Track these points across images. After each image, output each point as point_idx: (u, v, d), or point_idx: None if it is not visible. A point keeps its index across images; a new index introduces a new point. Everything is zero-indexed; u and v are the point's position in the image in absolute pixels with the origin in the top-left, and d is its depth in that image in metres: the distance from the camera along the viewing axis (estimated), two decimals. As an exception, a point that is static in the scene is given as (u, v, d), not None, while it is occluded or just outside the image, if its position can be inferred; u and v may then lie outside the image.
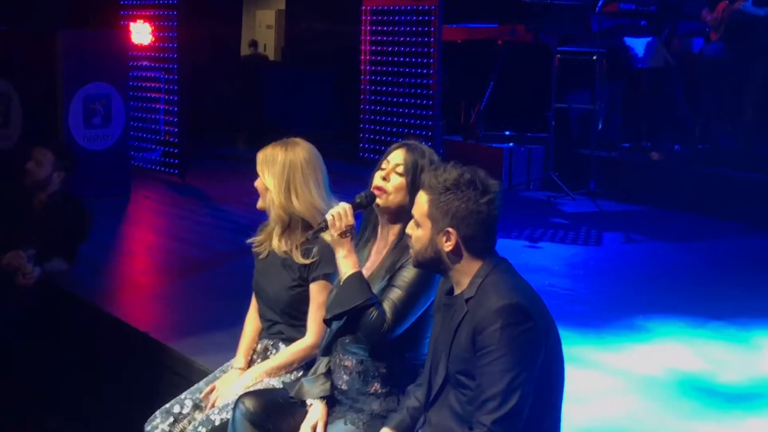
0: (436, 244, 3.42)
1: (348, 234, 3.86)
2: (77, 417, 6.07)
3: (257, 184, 4.38)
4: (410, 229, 3.50)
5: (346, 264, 3.84)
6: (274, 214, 4.33)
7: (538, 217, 9.74)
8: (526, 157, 11.47)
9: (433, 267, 3.49)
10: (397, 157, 3.94)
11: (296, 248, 4.28)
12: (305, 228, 4.24)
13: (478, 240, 3.41)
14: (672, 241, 8.97)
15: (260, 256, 4.48)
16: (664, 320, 6.33)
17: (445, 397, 3.47)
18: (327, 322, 3.93)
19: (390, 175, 3.91)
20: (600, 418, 4.78)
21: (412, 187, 3.84)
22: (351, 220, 3.87)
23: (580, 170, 10.93)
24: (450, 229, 3.40)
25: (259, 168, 4.34)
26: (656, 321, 6.32)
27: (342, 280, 3.83)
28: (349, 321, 3.79)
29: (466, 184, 3.40)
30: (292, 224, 4.32)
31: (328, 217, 3.88)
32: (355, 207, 3.94)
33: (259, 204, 4.40)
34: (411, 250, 3.51)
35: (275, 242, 4.38)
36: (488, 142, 11.75)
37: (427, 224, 3.43)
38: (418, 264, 3.52)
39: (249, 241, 4.53)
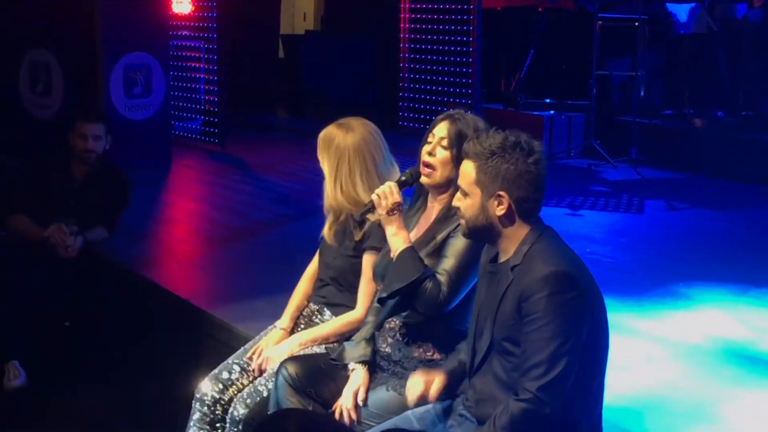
0: (487, 210, 3.40)
1: (395, 212, 3.87)
2: (120, 384, 6.13)
3: (322, 165, 4.39)
4: (457, 200, 3.47)
5: (397, 240, 3.85)
6: (326, 203, 4.36)
7: (579, 185, 9.70)
8: (567, 125, 11.41)
9: (484, 235, 3.47)
10: (441, 129, 3.93)
11: (355, 229, 4.28)
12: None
13: (530, 201, 3.39)
14: (714, 208, 8.91)
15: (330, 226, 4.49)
16: (705, 288, 6.30)
17: (489, 363, 3.46)
18: (381, 300, 3.93)
19: (435, 149, 3.91)
20: (641, 385, 4.76)
21: (458, 159, 3.83)
22: (397, 197, 3.88)
23: (622, 138, 10.87)
24: (502, 193, 3.37)
25: (318, 152, 4.35)
26: (698, 288, 6.28)
27: (395, 257, 3.83)
28: (405, 296, 3.79)
29: (512, 147, 3.38)
30: (342, 215, 4.35)
31: (374, 197, 3.90)
32: (401, 185, 3.97)
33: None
34: (461, 221, 3.49)
35: (326, 231, 4.41)
36: (529, 110, 11.70)
37: (477, 191, 3.40)
38: (469, 234, 3.49)
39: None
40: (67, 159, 6.59)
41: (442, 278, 3.76)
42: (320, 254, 4.54)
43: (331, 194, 4.30)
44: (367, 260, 4.25)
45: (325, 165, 4.32)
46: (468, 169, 3.42)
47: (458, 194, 3.48)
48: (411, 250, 3.82)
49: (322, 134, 4.36)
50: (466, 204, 3.43)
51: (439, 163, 3.90)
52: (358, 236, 4.27)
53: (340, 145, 4.28)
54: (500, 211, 3.39)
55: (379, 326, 4.01)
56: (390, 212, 3.87)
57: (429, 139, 3.95)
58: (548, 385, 3.20)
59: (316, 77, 14.71)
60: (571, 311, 3.23)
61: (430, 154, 3.91)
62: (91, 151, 6.50)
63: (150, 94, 10.22)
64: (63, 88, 10.02)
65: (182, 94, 12.02)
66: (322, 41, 15.56)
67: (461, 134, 3.87)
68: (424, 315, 3.84)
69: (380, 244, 4.08)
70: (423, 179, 3.96)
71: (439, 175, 3.91)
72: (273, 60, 16.05)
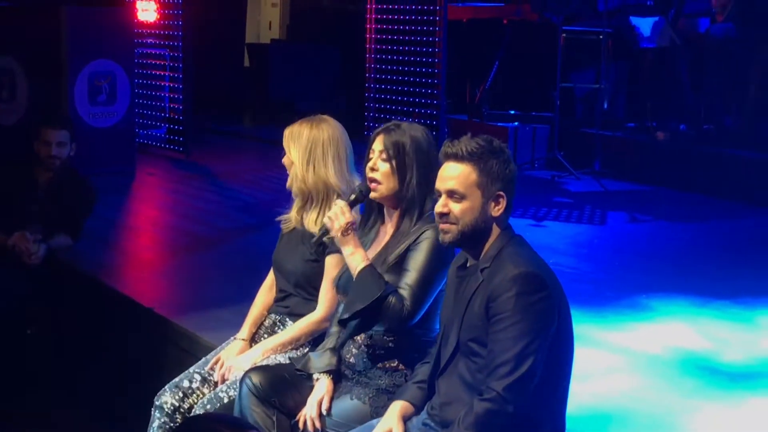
0: (486, 212, 3.43)
1: (349, 231, 3.88)
2: (82, 392, 6.10)
3: (284, 160, 4.41)
4: (444, 207, 3.44)
5: (355, 260, 3.86)
6: (295, 187, 4.39)
7: (542, 197, 9.74)
8: (531, 136, 11.46)
9: (474, 239, 3.45)
10: (378, 144, 3.98)
11: (314, 223, 4.31)
12: (323, 203, 4.28)
13: (513, 203, 3.47)
14: (676, 220, 8.98)
15: (284, 231, 4.51)
16: (667, 299, 6.34)
17: (454, 366, 3.48)
18: (342, 322, 3.94)
19: (377, 163, 3.95)
20: (603, 395, 4.79)
21: (400, 169, 3.90)
22: (349, 217, 3.89)
23: (585, 150, 10.91)
24: (501, 193, 3.42)
25: (285, 143, 4.40)
26: (660, 300, 6.33)
27: (354, 276, 3.84)
28: (368, 316, 3.80)
29: (501, 149, 3.45)
30: (311, 199, 4.36)
31: (326, 220, 3.93)
32: (352, 203, 4.00)
33: (288, 182, 4.42)
34: (449, 227, 3.45)
35: (293, 214, 4.47)
36: (493, 121, 11.72)
37: (476, 193, 3.42)
38: (459, 240, 3.45)
39: (278, 219, 4.55)
40: (31, 166, 6.56)
41: (404, 293, 3.76)
42: (277, 266, 4.54)
43: (301, 177, 4.32)
44: (330, 262, 4.26)
45: (294, 152, 4.35)
46: (464, 172, 3.42)
47: (446, 201, 3.45)
48: (370, 268, 3.83)
49: (290, 129, 4.41)
50: (463, 207, 3.42)
51: (382, 176, 3.94)
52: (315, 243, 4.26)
53: (312, 133, 4.35)
54: (497, 212, 3.43)
55: (343, 344, 4.01)
56: (344, 233, 3.88)
57: (370, 155, 3.99)
58: (513, 384, 3.23)
59: (282, 86, 14.70)
60: (538, 311, 3.27)
61: (373, 169, 3.95)
62: (55, 158, 6.47)
63: (114, 101, 10.18)
64: (27, 95, 9.96)
65: (147, 101, 11.98)
66: (288, 50, 15.55)
67: (398, 144, 3.93)
68: (391, 331, 3.86)
69: None
70: (372, 194, 3.99)
71: (384, 187, 3.94)
72: (238, 68, 16.03)
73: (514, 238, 3.47)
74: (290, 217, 4.48)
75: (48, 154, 6.45)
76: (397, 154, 3.91)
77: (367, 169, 3.98)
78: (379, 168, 3.94)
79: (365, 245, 4.01)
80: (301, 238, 4.40)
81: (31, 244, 6.24)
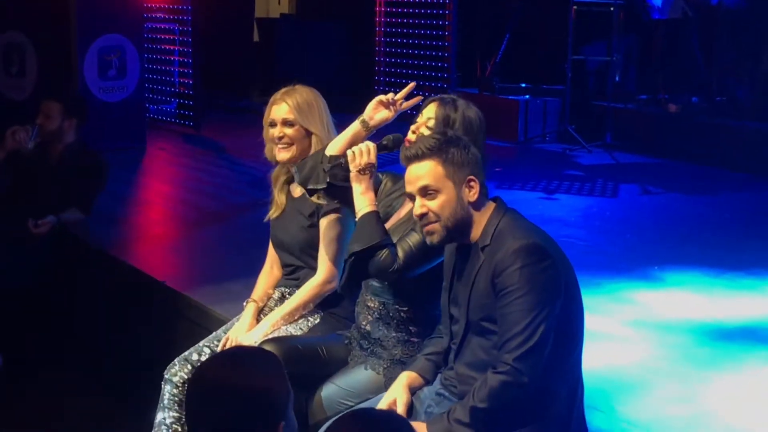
0: (462, 199, 3.42)
1: (367, 172, 3.84)
2: (94, 366, 6.12)
3: (293, 134, 4.35)
4: (422, 207, 3.42)
5: (363, 200, 3.83)
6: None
7: (553, 170, 9.73)
8: (542, 109, 11.44)
9: (461, 229, 3.45)
10: (429, 110, 3.93)
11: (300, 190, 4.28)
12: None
13: (485, 182, 3.47)
14: (688, 192, 8.96)
15: (275, 218, 4.51)
16: (679, 270, 6.34)
17: (468, 345, 3.47)
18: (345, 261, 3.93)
19: (421, 128, 3.90)
20: (616, 366, 4.79)
21: None
22: (373, 159, 3.85)
23: (597, 122, 10.90)
24: (471, 177, 3.42)
25: (292, 117, 4.35)
26: (672, 271, 6.32)
27: (358, 217, 3.82)
28: (360, 258, 3.77)
29: (456, 137, 3.48)
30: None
31: (349, 152, 3.86)
32: (380, 148, 3.92)
33: (287, 156, 4.38)
34: (435, 226, 3.42)
35: (277, 200, 4.47)
36: (504, 94, 11.71)
37: (448, 185, 3.41)
38: (447, 235, 3.43)
39: (266, 219, 4.53)
40: (42, 141, 6.57)
41: (401, 250, 3.73)
42: (277, 245, 4.53)
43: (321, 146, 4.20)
44: (327, 224, 4.24)
45: (314, 125, 4.32)
46: (431, 167, 3.43)
47: (422, 201, 3.43)
48: (374, 215, 3.80)
49: (292, 100, 4.37)
50: (441, 201, 3.42)
51: None
52: (318, 200, 4.20)
53: (318, 101, 4.36)
54: (473, 196, 3.43)
55: (349, 287, 3.97)
56: (362, 171, 3.84)
57: (417, 119, 3.95)
58: (525, 355, 3.22)
59: (291, 61, 14.66)
60: (544, 281, 3.27)
61: (414, 132, 3.91)
62: (39, 126, 6.56)
63: (124, 76, 10.18)
64: (37, 70, 9.97)
65: (156, 76, 11.97)
66: (297, 25, 15.51)
67: (448, 118, 3.86)
68: (378, 279, 3.85)
69: (337, 204, 4.11)
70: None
71: None
72: (248, 43, 16.00)
73: (508, 211, 3.47)
74: (275, 204, 4.45)
75: (39, 123, 6.53)
76: (443, 127, 3.84)
77: (410, 131, 3.93)
78: (420, 133, 3.87)
79: (389, 211, 4.01)
80: (291, 212, 4.38)
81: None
